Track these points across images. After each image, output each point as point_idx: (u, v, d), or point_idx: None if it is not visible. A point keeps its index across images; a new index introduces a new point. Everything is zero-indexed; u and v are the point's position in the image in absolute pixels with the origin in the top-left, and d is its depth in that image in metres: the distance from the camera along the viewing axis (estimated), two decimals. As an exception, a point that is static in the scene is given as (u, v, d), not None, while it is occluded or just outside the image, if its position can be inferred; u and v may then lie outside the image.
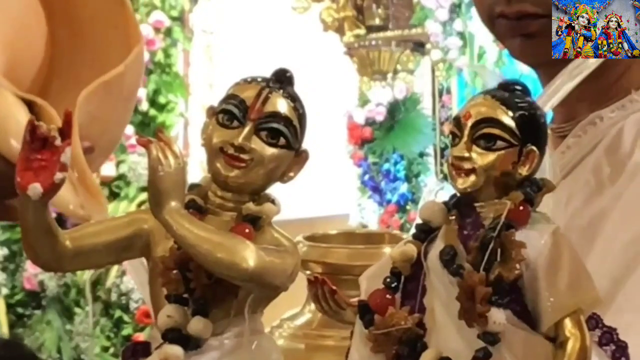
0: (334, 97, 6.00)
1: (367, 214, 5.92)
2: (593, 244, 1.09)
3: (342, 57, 6.19)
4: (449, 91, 5.98)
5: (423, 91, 6.03)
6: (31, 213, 0.87)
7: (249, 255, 0.85)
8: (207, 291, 0.87)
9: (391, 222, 5.78)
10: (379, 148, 5.91)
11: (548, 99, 1.07)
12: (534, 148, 0.83)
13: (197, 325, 0.87)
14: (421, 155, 5.93)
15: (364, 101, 5.99)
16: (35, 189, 0.85)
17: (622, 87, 1.20)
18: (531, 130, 0.84)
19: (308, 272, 1.11)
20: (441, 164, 5.84)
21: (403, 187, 5.84)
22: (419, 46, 6.02)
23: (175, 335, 0.86)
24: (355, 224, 5.89)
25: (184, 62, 5.35)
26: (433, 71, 6.03)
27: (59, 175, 0.85)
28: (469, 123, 0.83)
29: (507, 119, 0.83)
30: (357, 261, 1.10)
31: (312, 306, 1.15)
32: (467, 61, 5.66)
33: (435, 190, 4.89)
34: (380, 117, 5.88)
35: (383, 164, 5.91)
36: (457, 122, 0.84)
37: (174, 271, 0.87)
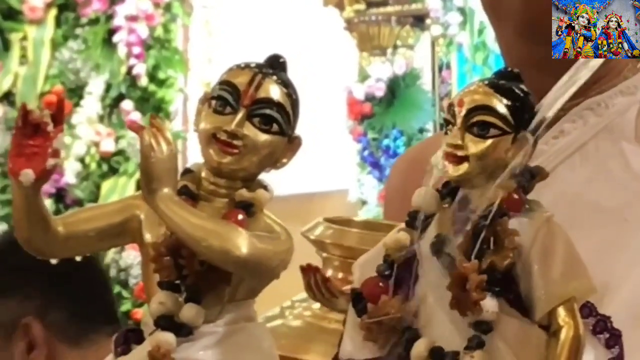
0: (333, 73, 5.99)
1: (367, 190, 5.91)
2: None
3: (342, 32, 6.17)
4: (448, 67, 5.97)
5: (423, 67, 6.01)
6: (23, 199, 0.87)
7: (242, 242, 0.84)
8: (200, 278, 0.86)
9: (390, 197, 5.77)
10: (379, 124, 5.90)
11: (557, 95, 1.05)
12: (528, 135, 0.83)
13: (189, 312, 0.86)
14: (421, 131, 5.92)
15: (363, 77, 5.97)
16: (27, 175, 0.85)
17: (611, 73, 1.18)
18: (525, 118, 0.83)
19: (325, 254, 1.09)
20: (440, 140, 5.81)
21: (402, 163, 5.82)
22: (419, 21, 6.00)
23: (167, 322, 0.86)
24: (355, 199, 5.89)
25: (183, 37, 5.33)
26: (433, 47, 6.01)
27: (51, 162, 0.85)
28: (463, 110, 0.82)
29: (501, 106, 0.82)
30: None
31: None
32: (467, 37, 5.64)
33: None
34: (379, 93, 5.86)
35: (382, 140, 5.90)
36: (451, 109, 0.84)
37: (166, 258, 0.87)
